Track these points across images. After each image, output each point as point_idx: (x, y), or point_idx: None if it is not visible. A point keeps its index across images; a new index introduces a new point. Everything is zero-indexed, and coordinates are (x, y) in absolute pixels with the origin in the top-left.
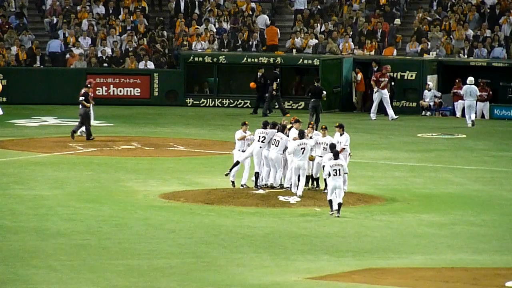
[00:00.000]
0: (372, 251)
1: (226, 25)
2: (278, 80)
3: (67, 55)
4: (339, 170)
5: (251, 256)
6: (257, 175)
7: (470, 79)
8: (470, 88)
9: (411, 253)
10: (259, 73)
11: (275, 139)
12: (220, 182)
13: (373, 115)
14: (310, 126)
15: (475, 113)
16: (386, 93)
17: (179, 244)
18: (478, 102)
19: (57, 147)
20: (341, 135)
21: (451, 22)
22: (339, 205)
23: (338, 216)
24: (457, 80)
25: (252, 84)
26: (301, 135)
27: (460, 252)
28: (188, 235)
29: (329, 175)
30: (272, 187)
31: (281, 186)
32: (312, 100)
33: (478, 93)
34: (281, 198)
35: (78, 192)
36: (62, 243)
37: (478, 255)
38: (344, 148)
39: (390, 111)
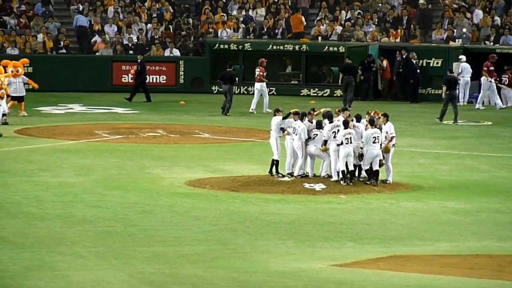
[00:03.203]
0: (397, 238)
1: (252, 13)
2: (357, 71)
3: (96, 37)
4: (351, 138)
5: (276, 243)
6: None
7: (463, 56)
8: (466, 65)
9: (436, 240)
10: (138, 59)
11: (294, 128)
12: (245, 169)
13: (491, 104)
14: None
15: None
16: (494, 82)
17: (204, 231)
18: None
19: (83, 134)
20: (384, 124)
21: (477, 9)
22: (352, 172)
23: (351, 184)
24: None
25: (132, 71)
26: (345, 124)
27: (485, 239)
28: (214, 222)
29: (342, 143)
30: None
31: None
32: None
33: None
34: (307, 185)
35: (103, 179)
36: (87, 230)
37: (503, 242)
38: (393, 137)
39: (498, 100)
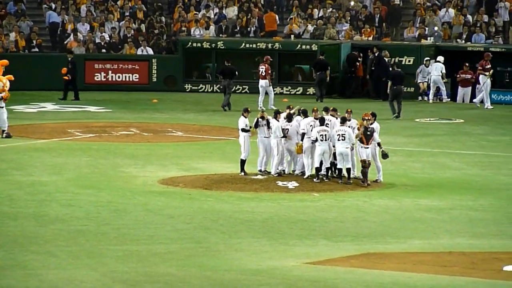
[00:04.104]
0: (370, 236)
1: (224, 11)
2: (329, 67)
3: (71, 36)
4: (326, 135)
5: (249, 241)
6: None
7: (441, 57)
8: (437, 64)
9: (409, 237)
10: (69, 58)
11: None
12: (218, 168)
13: (485, 104)
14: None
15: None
16: (489, 81)
17: (178, 229)
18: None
19: (56, 133)
20: (371, 123)
21: (449, 8)
22: (327, 169)
23: (328, 179)
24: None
25: (64, 70)
26: (322, 121)
27: (458, 236)
28: (187, 221)
29: (316, 140)
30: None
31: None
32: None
33: (444, 71)
34: (280, 183)
35: (76, 178)
36: (60, 229)
37: (476, 240)
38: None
39: (488, 100)
